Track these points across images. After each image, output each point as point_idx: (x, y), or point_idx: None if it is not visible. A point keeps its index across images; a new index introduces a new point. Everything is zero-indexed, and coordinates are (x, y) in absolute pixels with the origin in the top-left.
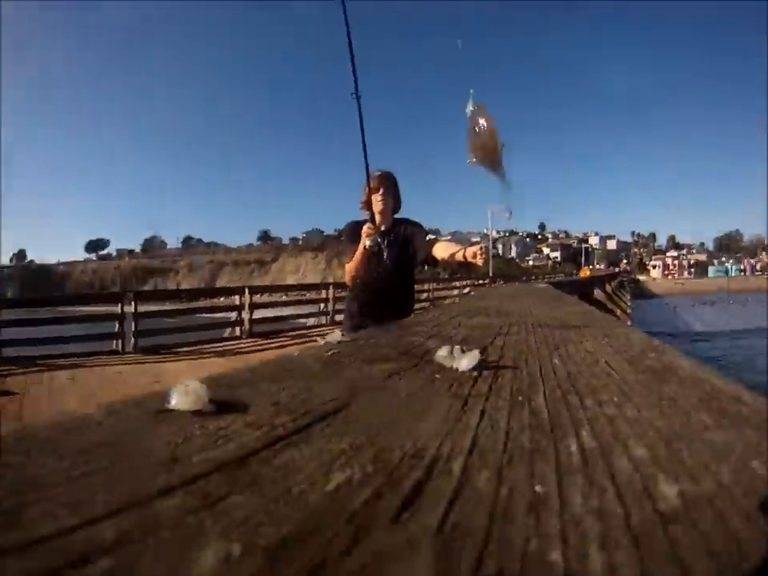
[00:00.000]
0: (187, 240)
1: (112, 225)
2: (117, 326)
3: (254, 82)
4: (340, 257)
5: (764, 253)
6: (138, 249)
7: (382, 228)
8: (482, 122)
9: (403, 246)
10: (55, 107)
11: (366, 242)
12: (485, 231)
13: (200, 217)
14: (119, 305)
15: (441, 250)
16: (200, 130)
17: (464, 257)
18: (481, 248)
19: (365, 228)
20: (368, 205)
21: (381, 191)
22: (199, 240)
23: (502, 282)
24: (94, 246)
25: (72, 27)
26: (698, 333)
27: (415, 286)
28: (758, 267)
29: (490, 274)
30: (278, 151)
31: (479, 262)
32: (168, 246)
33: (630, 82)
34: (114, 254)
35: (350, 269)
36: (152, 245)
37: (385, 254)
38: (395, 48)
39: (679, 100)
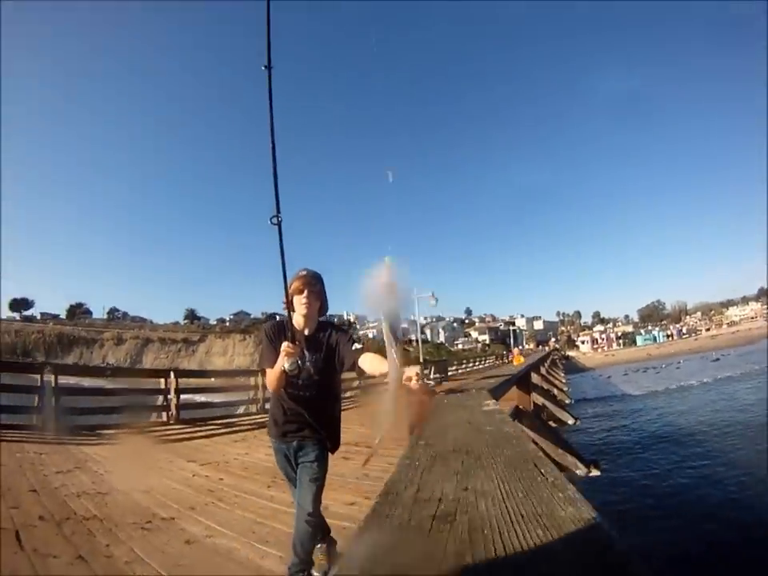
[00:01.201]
0: (113, 311)
1: (36, 285)
2: (36, 399)
3: (181, 155)
4: (261, 360)
5: (687, 317)
6: (62, 315)
7: (306, 332)
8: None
9: (328, 353)
10: None
11: (285, 363)
12: (411, 317)
13: (125, 288)
14: (39, 377)
15: (368, 365)
16: (129, 198)
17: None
18: (417, 374)
19: (284, 347)
20: (291, 305)
21: (305, 293)
22: (125, 313)
23: (435, 377)
24: (19, 305)
25: None
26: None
27: (341, 389)
28: (683, 330)
29: (421, 360)
30: (205, 232)
31: (414, 387)
32: (93, 316)
33: (542, 171)
34: (38, 316)
35: (269, 383)
36: (77, 312)
37: (307, 360)
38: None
39: (587, 186)
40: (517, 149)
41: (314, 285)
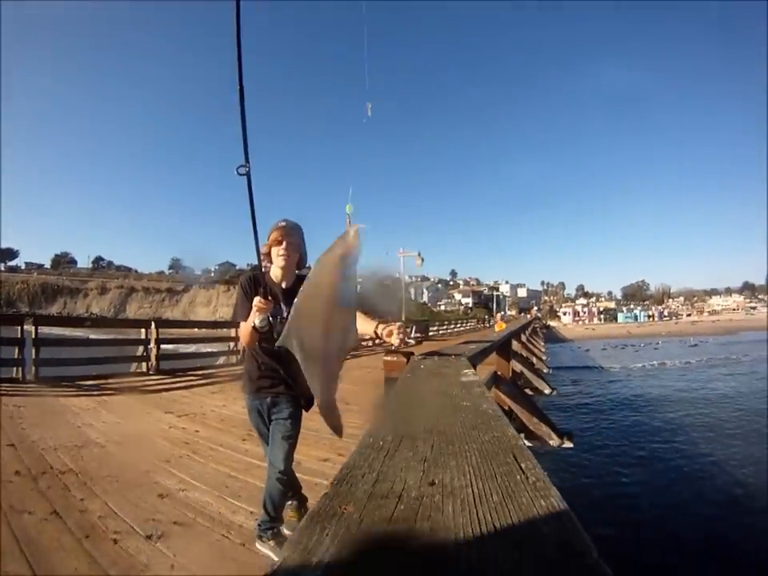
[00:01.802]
0: (98, 260)
1: (21, 235)
2: (16, 351)
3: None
4: (234, 314)
5: (670, 300)
6: (47, 264)
7: (283, 285)
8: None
9: None
10: None
11: (255, 319)
12: (396, 275)
13: (111, 237)
14: (19, 328)
15: None
16: (117, 144)
17: (376, 334)
18: (399, 326)
19: (256, 301)
20: (268, 257)
21: (283, 245)
22: (110, 262)
23: (416, 336)
24: (3, 255)
25: None
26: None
27: None
28: (665, 313)
29: (403, 318)
30: (193, 179)
31: (395, 341)
32: (78, 265)
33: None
34: (23, 266)
35: (241, 337)
36: (62, 262)
37: (284, 313)
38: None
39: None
40: (517, 121)
41: (293, 236)
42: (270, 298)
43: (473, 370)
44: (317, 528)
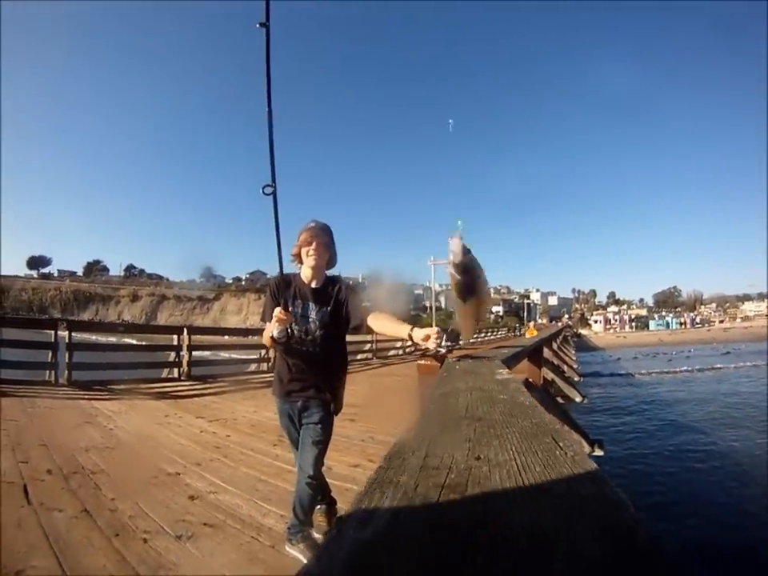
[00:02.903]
0: (129, 268)
1: (55, 243)
2: (50, 355)
3: (206, 111)
4: (263, 315)
5: (702, 306)
6: (79, 272)
7: (313, 285)
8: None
9: (335, 308)
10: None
11: (273, 331)
12: (427, 284)
13: (143, 246)
14: (53, 333)
15: (379, 323)
16: (149, 157)
17: (410, 337)
18: (437, 332)
19: (277, 313)
20: (299, 258)
21: (313, 245)
22: (142, 270)
23: (447, 345)
24: (36, 262)
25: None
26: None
27: (347, 348)
28: (697, 320)
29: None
30: (226, 190)
31: (431, 345)
32: (110, 273)
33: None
34: (56, 273)
35: (264, 339)
36: (94, 269)
37: (314, 314)
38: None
39: (617, 161)
40: (542, 125)
41: (322, 236)
42: (299, 298)
43: (507, 370)
44: (376, 492)
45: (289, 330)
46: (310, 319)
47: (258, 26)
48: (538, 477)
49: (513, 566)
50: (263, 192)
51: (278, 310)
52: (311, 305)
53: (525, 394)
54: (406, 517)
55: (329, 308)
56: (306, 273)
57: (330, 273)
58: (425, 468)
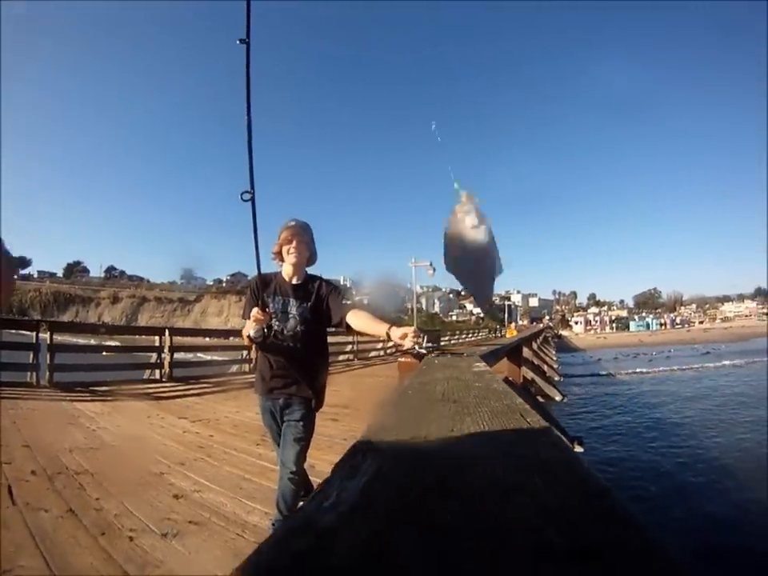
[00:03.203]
0: (110, 270)
1: (35, 244)
2: (31, 356)
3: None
4: (243, 312)
5: (682, 307)
6: (59, 273)
7: (294, 281)
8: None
9: (316, 304)
10: None
11: (250, 330)
12: (408, 285)
13: (124, 248)
14: (34, 334)
15: (358, 321)
16: (129, 159)
17: (388, 335)
18: (414, 330)
19: (254, 313)
20: (279, 256)
21: (294, 243)
22: (122, 272)
23: (428, 346)
24: (16, 263)
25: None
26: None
27: (328, 345)
28: (677, 321)
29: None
30: (206, 192)
31: (408, 344)
32: (90, 274)
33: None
34: (36, 275)
35: (243, 338)
36: (74, 271)
37: (294, 310)
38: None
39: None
40: (525, 125)
41: (303, 235)
42: (280, 294)
43: (484, 364)
44: (359, 455)
45: (265, 330)
46: (290, 315)
47: (238, 42)
48: (506, 445)
49: (478, 506)
50: (242, 198)
51: (255, 310)
52: (292, 300)
53: (499, 383)
54: (389, 470)
55: (309, 303)
56: (287, 270)
57: (310, 271)
58: (403, 436)
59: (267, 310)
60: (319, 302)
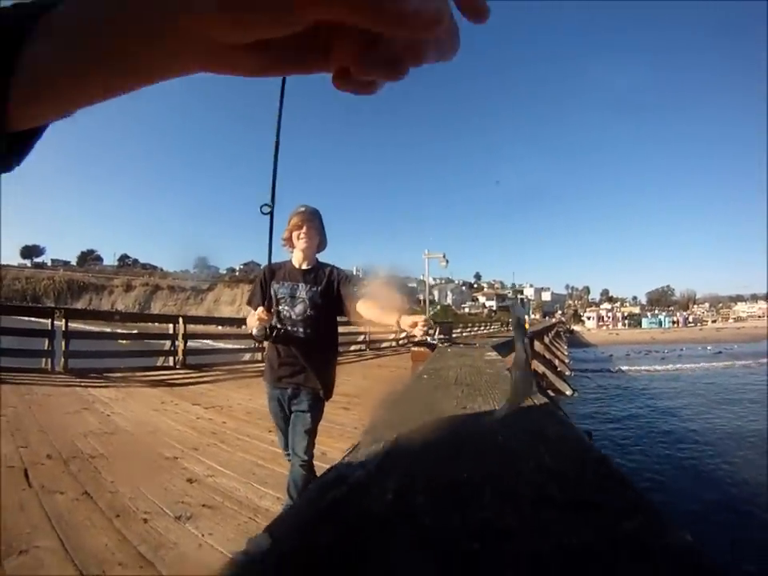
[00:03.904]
0: (123, 258)
1: (49, 232)
2: (46, 343)
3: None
4: (249, 300)
5: (695, 306)
6: (73, 261)
7: (303, 267)
8: None
9: (326, 288)
10: None
11: (252, 328)
12: (421, 277)
13: (137, 236)
14: (49, 320)
15: (368, 309)
16: (144, 148)
17: (398, 324)
18: (424, 320)
19: (258, 312)
20: (289, 242)
21: (304, 229)
22: (135, 260)
23: (440, 338)
24: (30, 252)
25: None
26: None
27: (338, 333)
28: (690, 319)
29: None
30: (220, 181)
31: (418, 333)
32: (104, 263)
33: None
34: (49, 263)
35: (248, 328)
36: (88, 259)
37: (303, 294)
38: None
39: (614, 157)
40: (535, 121)
41: (313, 220)
42: (289, 279)
43: (496, 353)
44: (381, 423)
45: (267, 330)
46: (299, 299)
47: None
48: (514, 420)
49: (488, 468)
50: (261, 211)
51: (260, 310)
52: (301, 285)
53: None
54: (408, 438)
55: (320, 288)
56: (297, 256)
57: (321, 259)
58: (421, 412)
59: (272, 310)
60: (330, 287)
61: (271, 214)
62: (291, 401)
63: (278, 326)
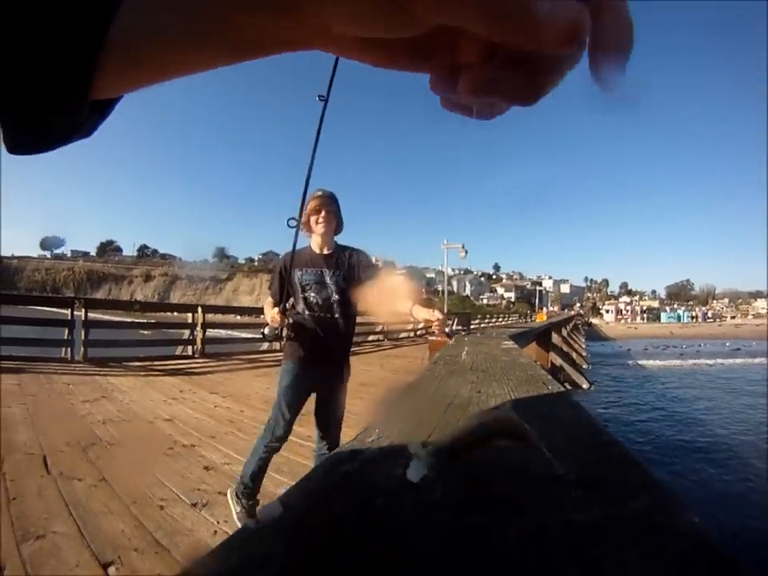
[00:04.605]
0: (143, 249)
1: (68, 223)
2: (66, 332)
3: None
4: (271, 284)
5: (714, 301)
6: (93, 252)
7: (324, 251)
8: None
9: (349, 272)
10: None
11: (265, 329)
12: (440, 268)
13: (156, 226)
14: (69, 310)
15: (382, 296)
16: (163, 137)
17: (411, 313)
18: (439, 321)
19: (273, 314)
20: (307, 226)
21: (322, 213)
22: (155, 250)
23: (458, 329)
24: (49, 243)
25: None
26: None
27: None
28: (709, 315)
29: (445, 311)
30: (240, 170)
31: (437, 331)
32: (123, 253)
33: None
34: (69, 254)
35: (265, 318)
36: (107, 250)
37: (329, 279)
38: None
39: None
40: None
41: (330, 204)
42: (313, 266)
43: (512, 342)
44: (395, 404)
45: (277, 332)
46: (326, 284)
47: (317, 98)
48: (527, 403)
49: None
50: (288, 224)
51: (275, 311)
52: (325, 270)
53: (525, 357)
54: (421, 419)
55: (343, 272)
56: (316, 241)
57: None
58: (436, 394)
59: (287, 312)
60: (352, 269)
61: (297, 227)
62: (318, 384)
63: (312, 297)
